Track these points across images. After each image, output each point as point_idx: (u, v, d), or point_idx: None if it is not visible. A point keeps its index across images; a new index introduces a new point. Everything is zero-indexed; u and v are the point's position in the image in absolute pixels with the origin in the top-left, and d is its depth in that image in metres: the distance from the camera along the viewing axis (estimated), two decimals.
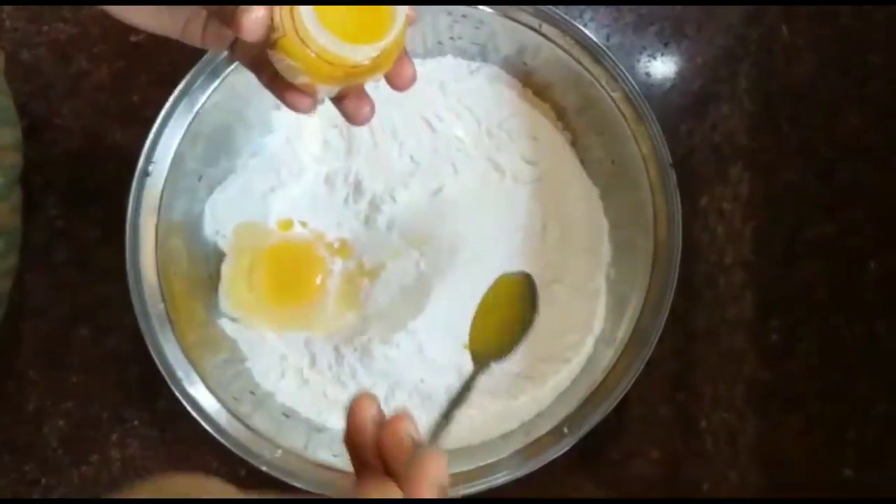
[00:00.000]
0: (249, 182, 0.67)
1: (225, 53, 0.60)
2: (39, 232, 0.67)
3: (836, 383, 0.66)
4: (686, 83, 0.71)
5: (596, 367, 0.62)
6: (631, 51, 0.71)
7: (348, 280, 0.66)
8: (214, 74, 0.61)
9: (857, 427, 0.65)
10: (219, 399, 0.59)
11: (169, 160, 0.61)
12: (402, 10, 0.39)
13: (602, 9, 0.72)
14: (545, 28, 0.63)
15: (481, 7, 0.63)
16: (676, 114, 0.70)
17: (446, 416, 0.48)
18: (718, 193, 0.69)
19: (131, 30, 0.69)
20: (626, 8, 0.72)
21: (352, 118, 0.44)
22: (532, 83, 0.68)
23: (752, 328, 0.67)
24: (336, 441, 0.61)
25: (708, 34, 0.71)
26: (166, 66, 0.69)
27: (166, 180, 0.61)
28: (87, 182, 0.69)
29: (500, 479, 0.57)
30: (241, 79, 0.61)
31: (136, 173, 0.60)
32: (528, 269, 0.64)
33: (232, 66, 0.61)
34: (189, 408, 0.58)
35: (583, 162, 0.67)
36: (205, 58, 0.61)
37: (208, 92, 0.61)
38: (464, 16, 0.64)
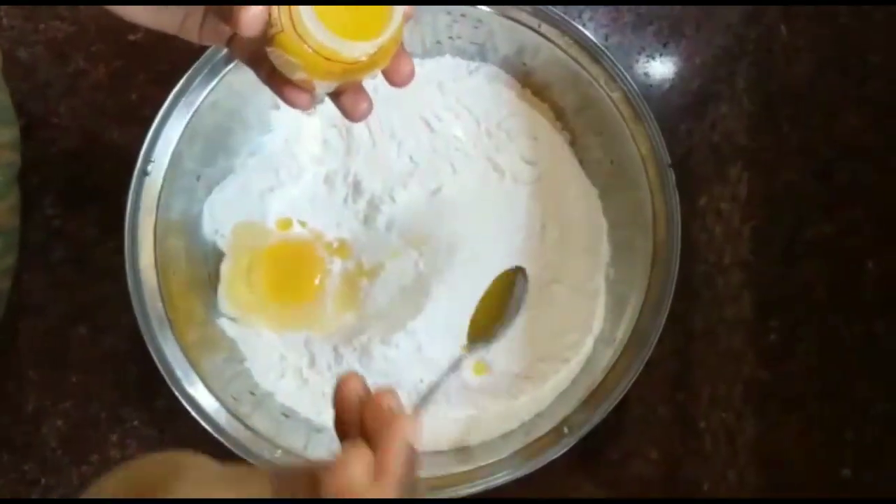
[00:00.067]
0: (248, 182, 0.67)
1: (223, 52, 0.60)
2: (37, 231, 0.67)
3: (835, 383, 0.66)
4: (685, 83, 0.71)
5: (595, 367, 0.62)
6: (630, 51, 0.71)
7: (347, 280, 0.66)
8: (213, 73, 0.61)
9: (856, 427, 0.65)
10: (218, 399, 0.59)
11: (167, 159, 0.61)
12: (400, 7, 0.40)
13: (601, 9, 0.72)
14: (544, 28, 0.63)
15: (480, 6, 0.63)
16: (675, 114, 0.70)
17: (431, 391, 0.51)
18: (717, 193, 0.69)
19: (129, 29, 0.70)
20: (624, 8, 0.72)
21: (349, 114, 0.44)
22: (531, 83, 0.68)
23: (751, 328, 0.67)
24: (336, 441, 0.60)
25: (707, 34, 0.72)
26: (164, 65, 0.69)
27: (165, 179, 0.61)
28: (84, 181, 0.69)
29: (500, 479, 0.57)
30: (240, 78, 0.61)
31: (135, 172, 0.60)
32: (527, 270, 0.65)
33: (230, 66, 0.61)
34: (188, 407, 0.58)
35: (582, 162, 0.67)
36: (203, 57, 0.61)
37: (206, 91, 0.61)
38: (462, 15, 0.64)
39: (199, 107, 0.62)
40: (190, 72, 0.61)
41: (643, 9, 0.72)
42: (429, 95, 0.67)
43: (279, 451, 0.59)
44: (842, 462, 0.65)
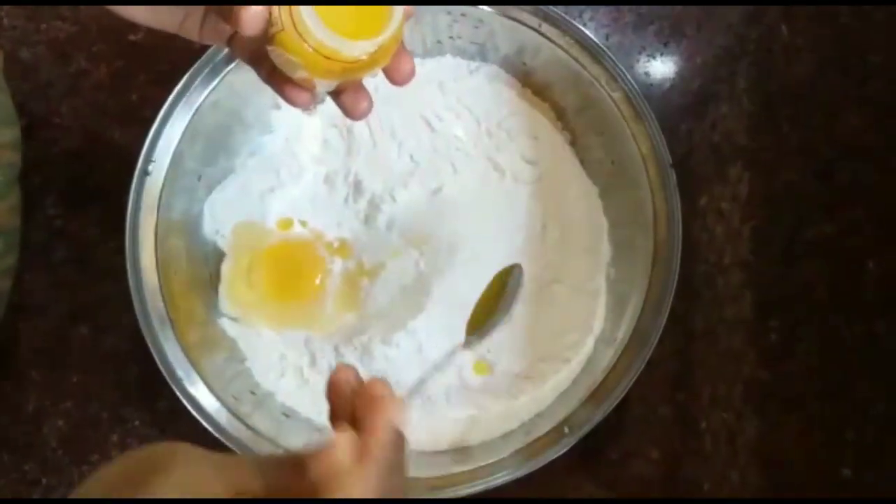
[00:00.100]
0: (249, 182, 0.67)
1: (224, 52, 0.60)
2: (38, 231, 0.67)
3: (835, 383, 0.66)
4: (685, 83, 0.71)
5: (596, 366, 0.62)
6: (630, 50, 0.71)
7: (348, 280, 0.66)
8: (213, 73, 0.61)
9: (857, 427, 0.65)
10: (219, 399, 0.59)
11: (168, 159, 0.61)
12: (400, 6, 0.40)
13: (601, 8, 0.72)
14: (544, 28, 0.63)
15: (481, 6, 0.63)
16: (676, 113, 0.70)
17: (422, 381, 0.52)
18: (718, 193, 0.69)
19: (130, 29, 0.70)
20: (625, 8, 0.72)
21: (350, 112, 0.44)
22: (531, 83, 0.68)
23: (752, 328, 0.67)
24: None
25: (707, 34, 0.72)
26: (165, 65, 0.69)
27: (166, 179, 0.61)
28: (86, 181, 0.69)
29: (501, 479, 0.57)
30: (241, 78, 0.61)
31: (136, 172, 0.60)
32: (527, 269, 0.65)
33: (231, 66, 0.61)
34: (189, 407, 0.58)
35: (582, 162, 0.67)
36: (204, 57, 0.61)
37: (207, 91, 0.61)
38: (463, 15, 0.64)
39: (199, 107, 0.62)
40: (191, 72, 0.61)
41: (644, 8, 0.72)
42: (429, 95, 0.67)
43: (280, 451, 0.59)
44: (842, 462, 0.65)
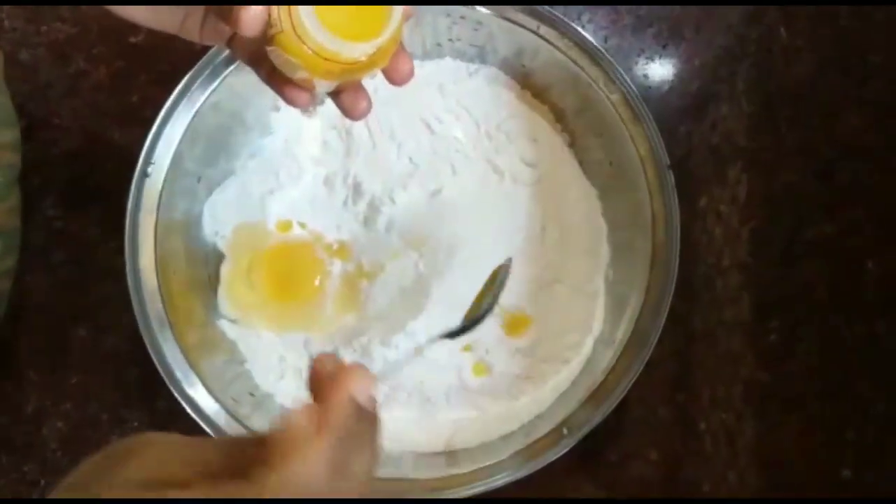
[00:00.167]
0: (248, 183, 0.67)
1: (225, 53, 0.60)
2: (38, 232, 0.67)
3: (835, 383, 0.66)
4: (684, 85, 0.71)
5: (595, 367, 0.62)
6: (629, 52, 0.71)
7: (347, 281, 0.66)
8: (214, 75, 0.61)
9: (857, 427, 0.65)
10: (218, 400, 0.59)
11: (168, 161, 0.61)
12: (399, 7, 0.40)
13: (600, 10, 0.72)
14: (543, 30, 0.63)
15: (480, 8, 0.63)
16: (675, 115, 0.70)
17: (398, 365, 0.52)
18: (717, 194, 0.69)
19: (130, 30, 0.70)
20: (624, 9, 0.72)
21: (349, 112, 0.44)
22: (530, 85, 0.68)
23: (751, 329, 0.67)
24: None
25: (707, 35, 0.72)
26: (165, 66, 0.69)
27: (165, 181, 0.61)
28: (85, 182, 0.69)
29: (500, 480, 0.57)
30: (241, 80, 0.61)
31: (136, 173, 0.60)
32: (527, 270, 0.65)
33: (231, 67, 0.61)
34: (188, 409, 0.58)
35: (581, 163, 0.67)
36: (204, 58, 0.61)
37: (207, 92, 0.61)
38: (462, 17, 0.64)
39: (200, 108, 0.62)
40: (191, 73, 0.61)
41: (643, 10, 0.72)
42: (429, 97, 0.67)
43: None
44: (842, 462, 0.65)
